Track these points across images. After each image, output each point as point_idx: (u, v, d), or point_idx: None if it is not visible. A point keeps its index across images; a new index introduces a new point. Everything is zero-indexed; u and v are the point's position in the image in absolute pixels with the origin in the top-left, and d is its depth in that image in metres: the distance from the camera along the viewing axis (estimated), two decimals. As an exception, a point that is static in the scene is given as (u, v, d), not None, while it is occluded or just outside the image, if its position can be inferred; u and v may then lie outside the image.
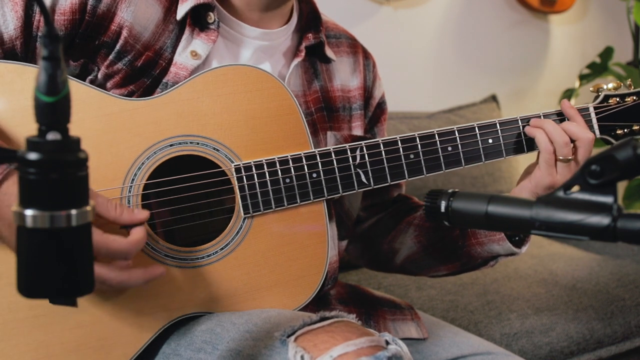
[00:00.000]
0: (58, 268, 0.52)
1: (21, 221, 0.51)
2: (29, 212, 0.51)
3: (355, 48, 1.19)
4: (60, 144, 0.51)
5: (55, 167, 0.51)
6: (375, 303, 1.18)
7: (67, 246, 0.52)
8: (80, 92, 0.90)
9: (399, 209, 1.23)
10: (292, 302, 0.98)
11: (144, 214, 0.84)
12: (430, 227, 1.14)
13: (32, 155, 0.51)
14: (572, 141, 1.02)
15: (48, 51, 0.50)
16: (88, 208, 0.53)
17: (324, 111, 1.10)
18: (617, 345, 1.66)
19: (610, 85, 1.09)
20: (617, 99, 1.09)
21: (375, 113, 1.20)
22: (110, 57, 0.95)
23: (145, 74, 0.96)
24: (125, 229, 0.84)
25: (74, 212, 0.52)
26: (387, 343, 0.79)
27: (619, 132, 1.09)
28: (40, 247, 0.51)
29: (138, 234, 0.82)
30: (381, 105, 1.22)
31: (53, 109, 0.51)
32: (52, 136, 0.51)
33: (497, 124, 1.05)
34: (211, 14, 0.98)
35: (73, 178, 0.52)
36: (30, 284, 0.52)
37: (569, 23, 2.90)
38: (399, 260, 1.20)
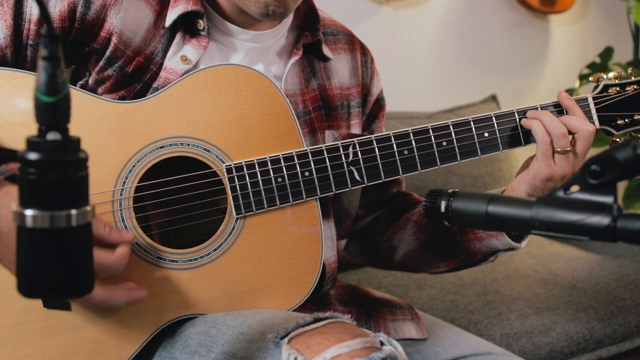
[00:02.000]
0: (58, 268, 0.52)
1: (21, 221, 0.51)
2: (29, 212, 0.51)
3: (352, 44, 1.18)
4: (60, 144, 0.51)
5: (55, 167, 0.51)
6: (375, 303, 1.18)
7: (67, 246, 0.52)
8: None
9: (398, 205, 1.23)
10: (287, 302, 0.97)
11: (131, 235, 0.86)
12: (429, 224, 1.13)
13: (32, 155, 0.51)
14: (571, 133, 1.01)
15: (48, 51, 0.50)
16: (88, 208, 0.53)
17: (321, 110, 1.09)
18: (617, 345, 1.65)
19: (611, 75, 1.07)
20: (617, 89, 1.07)
21: (373, 110, 1.20)
22: (101, 63, 0.95)
23: (135, 79, 0.96)
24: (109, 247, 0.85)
25: (74, 212, 0.52)
26: (382, 344, 0.79)
27: (619, 122, 1.07)
28: (40, 247, 0.51)
29: (124, 249, 0.84)
30: (379, 101, 1.21)
31: (53, 109, 0.51)
32: (52, 136, 0.51)
33: (493, 117, 1.04)
34: (200, 21, 0.98)
35: (73, 178, 0.52)
36: (30, 284, 0.52)
37: (569, 23, 2.90)
38: (398, 257, 1.19)
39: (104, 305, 0.86)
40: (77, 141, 0.53)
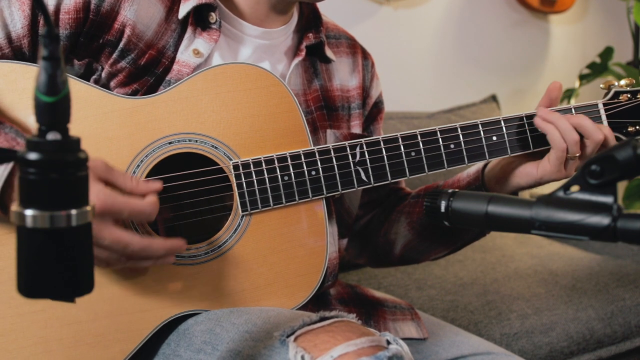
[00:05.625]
0: (58, 268, 0.52)
1: (21, 221, 0.51)
2: (29, 212, 0.51)
3: (354, 48, 1.19)
4: (60, 144, 0.51)
5: (55, 167, 0.51)
6: (375, 303, 1.18)
7: (67, 246, 0.52)
8: (80, 90, 0.91)
9: (390, 201, 1.24)
10: (291, 300, 0.98)
11: (159, 183, 0.85)
12: (420, 212, 1.15)
13: (32, 155, 0.51)
14: (581, 137, 1.01)
15: (48, 51, 0.50)
16: (88, 208, 0.53)
17: (323, 110, 1.10)
18: (617, 345, 1.65)
19: (623, 82, 1.07)
20: (629, 96, 1.07)
21: (371, 112, 1.21)
22: (114, 55, 0.96)
23: (148, 72, 0.97)
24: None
25: (74, 212, 0.52)
26: (388, 343, 0.79)
27: (630, 129, 1.07)
28: (40, 247, 0.51)
29: (153, 197, 0.83)
30: (378, 104, 1.22)
31: (53, 109, 0.51)
32: (52, 136, 0.51)
33: (502, 121, 1.04)
34: (213, 14, 0.99)
35: (73, 178, 0.52)
36: (30, 284, 0.52)
37: (569, 23, 2.90)
38: (398, 251, 1.20)
39: (143, 253, 0.82)
40: (77, 141, 0.53)
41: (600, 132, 1.01)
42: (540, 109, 1.04)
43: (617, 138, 1.08)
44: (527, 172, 1.05)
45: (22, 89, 0.89)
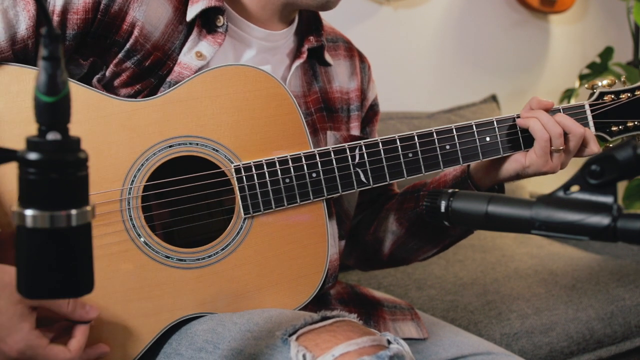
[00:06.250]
0: (58, 268, 0.52)
1: (21, 221, 0.51)
2: (29, 212, 0.51)
3: (351, 52, 1.20)
4: (60, 144, 0.51)
5: (55, 167, 0.51)
6: (375, 303, 1.18)
7: (67, 246, 0.52)
8: (79, 93, 0.91)
9: (380, 200, 1.25)
10: (292, 301, 0.98)
11: (95, 312, 0.84)
12: (408, 207, 1.15)
13: (32, 155, 0.51)
14: (565, 133, 1.03)
15: (48, 51, 0.50)
16: (88, 208, 0.53)
17: (323, 111, 1.10)
18: (617, 345, 1.66)
19: (605, 82, 1.10)
20: (612, 96, 1.10)
21: (367, 114, 1.22)
22: (120, 55, 0.95)
23: (152, 73, 0.97)
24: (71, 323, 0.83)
25: (74, 212, 0.52)
26: (389, 342, 0.79)
27: (614, 128, 1.10)
28: (40, 247, 0.51)
29: (79, 341, 0.82)
30: (374, 107, 1.23)
31: (53, 109, 0.51)
32: (52, 136, 0.51)
33: (495, 122, 1.06)
34: (221, 17, 0.99)
35: (73, 178, 0.52)
36: (30, 284, 0.52)
37: (569, 23, 2.90)
38: (387, 249, 1.20)
39: None
40: (77, 141, 0.53)
41: (581, 126, 1.04)
42: (522, 112, 1.07)
43: (601, 137, 1.11)
44: (515, 158, 1.06)
45: (15, 91, 0.88)
